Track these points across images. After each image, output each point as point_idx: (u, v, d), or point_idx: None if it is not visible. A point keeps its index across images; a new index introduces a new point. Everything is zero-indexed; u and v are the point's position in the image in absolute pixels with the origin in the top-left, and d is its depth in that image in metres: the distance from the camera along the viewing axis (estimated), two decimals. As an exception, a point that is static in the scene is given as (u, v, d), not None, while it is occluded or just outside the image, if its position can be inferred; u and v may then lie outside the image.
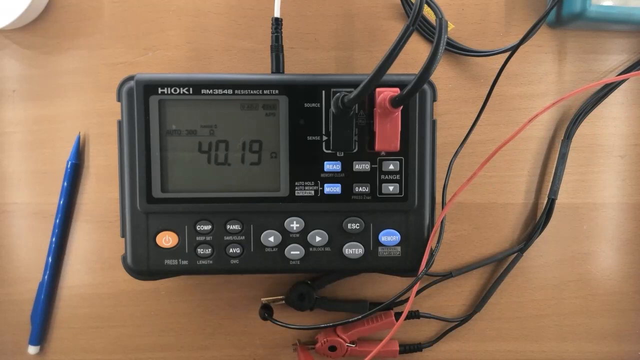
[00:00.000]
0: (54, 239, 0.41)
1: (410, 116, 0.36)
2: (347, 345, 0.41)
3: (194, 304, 0.43)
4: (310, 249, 0.37)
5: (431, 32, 0.41)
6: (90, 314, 0.43)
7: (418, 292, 0.42)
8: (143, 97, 0.35)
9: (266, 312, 0.41)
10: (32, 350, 0.42)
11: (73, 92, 0.41)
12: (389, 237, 0.37)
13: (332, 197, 0.36)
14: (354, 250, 0.37)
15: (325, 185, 0.36)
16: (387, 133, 0.35)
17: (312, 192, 0.36)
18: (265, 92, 0.35)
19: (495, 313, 0.43)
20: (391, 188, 0.37)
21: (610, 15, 0.37)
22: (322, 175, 0.36)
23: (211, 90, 0.35)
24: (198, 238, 0.37)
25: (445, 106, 0.41)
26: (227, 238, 0.37)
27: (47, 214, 0.42)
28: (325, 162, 0.36)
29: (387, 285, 0.42)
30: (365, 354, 0.39)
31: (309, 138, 0.36)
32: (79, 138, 0.41)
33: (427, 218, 0.37)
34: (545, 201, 0.42)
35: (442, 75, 0.41)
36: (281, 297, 0.41)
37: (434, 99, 0.37)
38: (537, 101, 0.42)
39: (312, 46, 0.41)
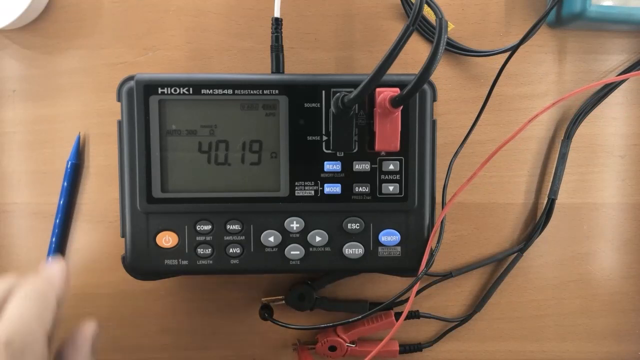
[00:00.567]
0: (54, 239, 0.41)
1: (410, 116, 0.36)
2: (347, 345, 0.41)
3: (194, 304, 0.43)
4: (310, 249, 0.37)
5: (431, 32, 0.41)
6: (90, 314, 0.43)
7: (418, 292, 0.42)
8: (143, 97, 0.35)
9: (266, 312, 0.41)
10: None
11: (73, 92, 0.41)
12: (389, 237, 0.37)
13: (332, 197, 0.36)
14: (354, 250, 0.37)
15: (325, 185, 0.36)
16: (387, 133, 0.35)
17: (312, 192, 0.36)
18: (265, 92, 0.35)
19: (495, 313, 0.43)
20: (391, 188, 0.37)
21: (610, 15, 0.37)
22: (322, 175, 0.36)
23: (211, 90, 0.35)
24: (198, 238, 0.37)
25: (445, 106, 0.41)
26: (227, 238, 0.37)
27: (47, 214, 0.42)
28: (325, 162, 0.36)
29: (387, 285, 0.42)
30: (365, 354, 0.39)
31: (309, 138, 0.36)
32: (79, 138, 0.41)
33: (427, 218, 0.37)
34: (545, 201, 0.42)
35: (442, 75, 0.41)
36: (281, 297, 0.41)
37: (434, 99, 0.37)
38: (537, 101, 0.42)
39: (312, 46, 0.41)
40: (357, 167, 0.36)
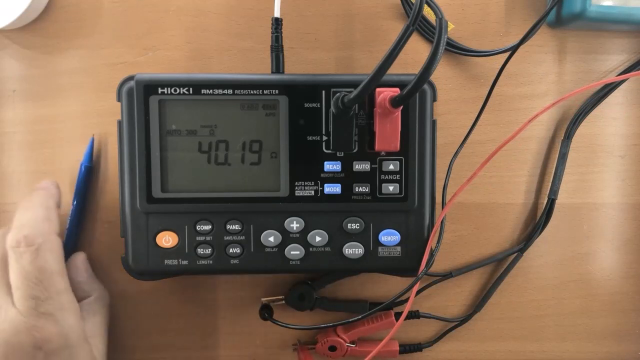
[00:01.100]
0: (65, 241, 0.40)
1: (410, 116, 0.36)
2: (347, 345, 0.41)
3: (194, 304, 0.43)
4: (310, 249, 0.37)
5: (431, 32, 0.41)
6: (90, 314, 0.43)
7: (418, 292, 0.42)
8: (143, 97, 0.35)
9: (266, 312, 0.41)
10: None
11: (73, 92, 0.41)
12: (389, 237, 0.37)
13: (332, 197, 0.36)
14: (354, 250, 0.37)
15: (325, 185, 0.36)
16: (387, 133, 0.35)
17: (312, 192, 0.36)
18: (265, 92, 0.35)
19: (495, 313, 0.43)
20: (391, 188, 0.37)
21: (610, 15, 0.37)
22: (322, 175, 0.36)
23: (211, 90, 0.35)
24: (198, 238, 0.37)
25: (445, 106, 0.41)
26: (227, 238, 0.37)
27: (47, 214, 0.42)
28: (325, 162, 0.36)
29: (387, 285, 0.42)
30: (365, 354, 0.39)
31: (309, 138, 0.36)
32: (92, 141, 0.40)
33: (427, 218, 0.37)
34: (545, 201, 0.42)
35: (442, 75, 0.41)
36: (281, 297, 0.41)
37: (434, 99, 0.37)
38: (537, 101, 0.42)
39: (312, 46, 0.41)
40: (357, 167, 0.36)
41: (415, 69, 0.29)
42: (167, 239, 0.37)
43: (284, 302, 0.41)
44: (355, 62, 0.41)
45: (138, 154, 0.35)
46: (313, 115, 0.36)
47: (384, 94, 0.34)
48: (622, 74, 0.42)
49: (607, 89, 0.41)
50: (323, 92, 0.36)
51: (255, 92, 0.35)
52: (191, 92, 0.35)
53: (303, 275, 0.42)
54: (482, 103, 0.39)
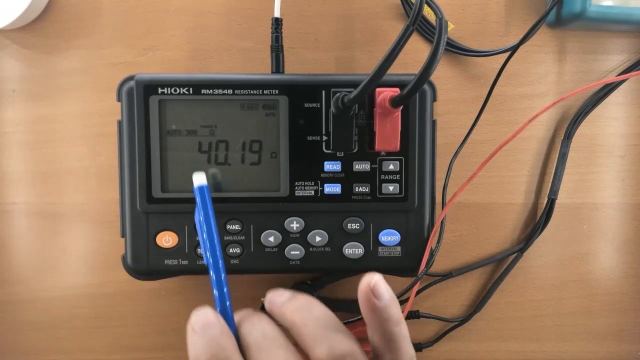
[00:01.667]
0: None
1: (410, 116, 0.36)
2: (347, 345, 0.41)
3: (194, 304, 0.42)
4: (310, 249, 0.37)
5: (431, 32, 0.41)
6: (90, 314, 0.43)
7: (418, 292, 0.42)
8: (143, 97, 0.35)
9: (266, 312, 0.41)
10: None
11: (73, 92, 0.41)
12: (389, 237, 0.37)
13: (332, 197, 0.36)
14: (354, 250, 0.37)
15: (325, 185, 0.36)
16: (387, 133, 0.35)
17: (312, 192, 0.36)
18: (265, 92, 0.35)
19: (495, 313, 0.43)
20: (391, 188, 0.37)
21: (610, 15, 0.37)
22: (322, 175, 0.36)
23: (211, 90, 0.35)
24: (198, 238, 0.37)
25: (445, 106, 0.41)
26: (227, 238, 0.37)
27: (47, 214, 0.42)
28: (325, 162, 0.36)
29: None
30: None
31: (309, 138, 0.36)
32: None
33: (427, 218, 0.37)
34: (545, 201, 0.42)
35: (442, 75, 0.41)
36: (281, 297, 0.41)
37: (434, 99, 0.37)
38: (537, 101, 0.42)
39: (312, 46, 0.41)
40: (357, 167, 0.36)
41: (415, 69, 0.29)
42: (167, 239, 0.37)
43: (284, 302, 0.41)
44: (355, 62, 0.41)
45: (138, 154, 0.35)
46: (313, 115, 0.36)
47: (384, 94, 0.34)
48: (622, 74, 0.42)
49: (607, 89, 0.41)
50: (323, 92, 0.36)
51: (255, 92, 0.35)
52: (191, 92, 0.35)
53: (303, 275, 0.42)
54: (482, 103, 0.39)
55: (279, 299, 0.31)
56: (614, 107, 0.42)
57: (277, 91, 0.35)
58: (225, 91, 0.35)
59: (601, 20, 0.38)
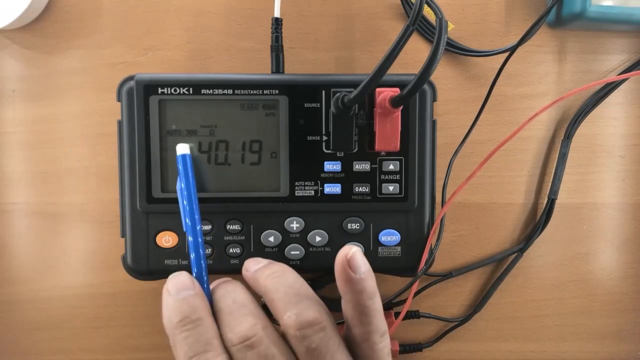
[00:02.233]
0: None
1: (410, 116, 0.36)
2: (347, 345, 0.41)
3: (194, 304, 0.43)
4: (310, 249, 0.37)
5: (431, 32, 0.41)
6: (90, 314, 0.43)
7: (418, 292, 0.42)
8: (143, 97, 0.35)
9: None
10: None
11: (73, 92, 0.41)
12: (389, 237, 0.37)
13: (332, 197, 0.36)
14: (354, 250, 0.37)
15: (325, 185, 0.36)
16: (387, 133, 0.35)
17: (312, 192, 0.36)
18: (265, 92, 0.35)
19: (495, 313, 0.43)
20: (391, 188, 0.37)
21: (610, 15, 0.37)
22: (322, 175, 0.36)
23: (211, 90, 0.35)
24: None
25: (445, 106, 0.41)
26: (227, 238, 0.37)
27: (47, 214, 0.42)
28: (325, 162, 0.36)
29: (387, 285, 0.42)
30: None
31: (309, 138, 0.36)
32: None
33: (427, 218, 0.37)
34: (545, 201, 0.42)
35: (442, 75, 0.41)
36: (281, 297, 0.41)
37: (434, 99, 0.37)
38: (537, 101, 0.42)
39: (312, 46, 0.41)
40: (357, 167, 0.36)
41: (415, 69, 0.29)
42: (167, 239, 0.37)
43: (284, 302, 0.41)
44: (355, 62, 0.41)
45: (138, 154, 0.35)
46: (313, 115, 0.36)
47: (384, 94, 0.34)
48: (622, 74, 0.41)
49: (607, 89, 0.41)
50: (323, 92, 0.36)
51: (255, 92, 0.35)
52: (191, 92, 0.35)
53: (303, 275, 0.42)
54: (482, 103, 0.39)
55: (255, 265, 0.32)
56: (614, 107, 0.42)
57: (277, 91, 0.35)
58: (225, 91, 0.35)
59: (601, 20, 0.38)
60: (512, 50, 0.38)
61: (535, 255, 0.43)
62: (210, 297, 0.31)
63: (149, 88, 0.35)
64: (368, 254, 0.37)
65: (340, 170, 0.36)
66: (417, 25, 0.38)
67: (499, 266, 0.43)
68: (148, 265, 0.37)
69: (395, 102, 0.33)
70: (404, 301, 0.40)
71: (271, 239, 0.37)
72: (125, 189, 0.36)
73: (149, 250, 0.37)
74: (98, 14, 0.41)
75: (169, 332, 0.28)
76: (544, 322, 0.43)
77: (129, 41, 0.41)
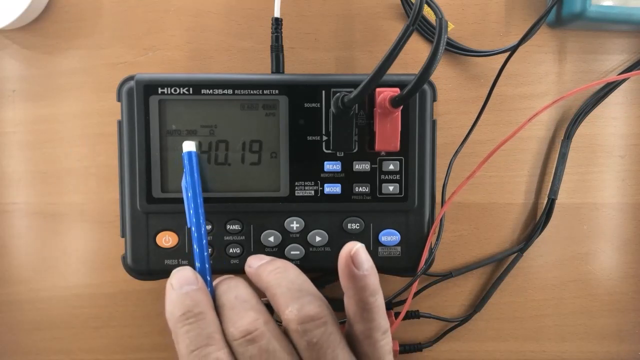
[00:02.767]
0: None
1: (410, 116, 0.36)
2: (347, 345, 0.41)
3: (194, 304, 0.43)
4: (310, 249, 0.37)
5: (431, 32, 0.41)
6: (90, 314, 0.43)
7: (418, 292, 0.42)
8: (143, 97, 0.35)
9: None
10: None
11: (73, 92, 0.41)
12: (389, 237, 0.37)
13: (332, 197, 0.36)
14: (354, 250, 0.37)
15: (325, 185, 0.36)
16: (387, 133, 0.35)
17: (312, 192, 0.36)
18: (265, 92, 0.35)
19: (495, 313, 0.43)
20: (391, 188, 0.37)
21: (610, 15, 0.37)
22: (322, 175, 0.36)
23: (211, 90, 0.35)
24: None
25: (445, 106, 0.41)
26: (227, 238, 0.37)
27: (47, 214, 0.42)
28: (325, 162, 0.36)
29: (387, 285, 0.42)
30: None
31: (309, 138, 0.36)
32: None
33: (427, 218, 0.37)
34: (545, 201, 0.42)
35: (442, 75, 0.41)
36: (281, 297, 0.41)
37: (434, 99, 0.37)
38: (537, 101, 0.42)
39: (312, 46, 0.41)
40: (357, 167, 0.36)
41: (415, 69, 0.29)
42: (167, 239, 0.37)
43: (284, 302, 0.41)
44: (355, 62, 0.41)
45: (138, 154, 0.35)
46: (313, 115, 0.36)
47: (384, 94, 0.34)
48: (622, 73, 0.41)
49: (607, 89, 0.41)
50: (323, 92, 0.36)
51: (255, 92, 0.35)
52: (191, 92, 0.35)
53: (303, 275, 0.42)
54: (482, 103, 0.39)
55: (257, 262, 0.32)
56: (614, 107, 0.42)
57: (277, 91, 0.35)
58: (225, 91, 0.35)
59: (601, 20, 0.38)
60: (513, 50, 0.38)
61: (535, 255, 0.43)
62: (213, 292, 0.31)
63: (149, 88, 0.35)
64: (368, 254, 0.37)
65: (340, 170, 0.36)
66: (417, 25, 0.38)
67: (499, 266, 0.43)
68: (148, 265, 0.37)
69: (395, 102, 0.33)
70: (404, 301, 0.40)
71: (271, 239, 0.37)
72: (125, 189, 0.36)
73: (149, 250, 0.37)
74: (98, 14, 0.41)
75: (172, 326, 0.29)
76: (544, 322, 0.43)
77: (129, 41, 0.41)
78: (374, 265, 0.29)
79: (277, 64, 0.37)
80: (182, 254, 0.37)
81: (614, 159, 0.42)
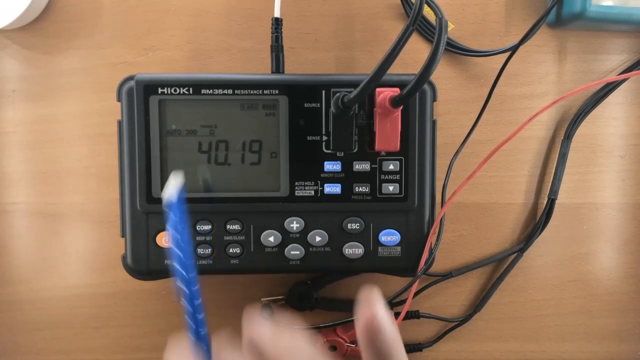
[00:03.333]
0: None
1: (410, 116, 0.36)
2: (347, 345, 0.41)
3: (194, 304, 0.43)
4: (310, 249, 0.37)
5: (431, 32, 0.41)
6: (90, 314, 0.43)
7: (418, 292, 0.42)
8: (143, 97, 0.35)
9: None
10: None
11: (73, 92, 0.41)
12: (389, 237, 0.37)
13: (332, 197, 0.36)
14: (354, 250, 0.37)
15: (325, 185, 0.36)
16: (387, 133, 0.35)
17: (312, 192, 0.36)
18: (265, 92, 0.35)
19: (495, 313, 0.43)
20: (391, 188, 0.36)
21: (610, 15, 0.37)
22: (322, 175, 0.36)
23: (211, 90, 0.35)
24: (198, 238, 0.37)
25: (445, 106, 0.41)
26: (227, 238, 0.37)
27: (47, 214, 0.42)
28: (325, 162, 0.36)
29: (387, 285, 0.42)
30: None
31: (309, 138, 0.36)
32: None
33: (427, 218, 0.37)
34: (545, 201, 0.42)
35: (442, 75, 0.41)
36: (281, 297, 0.41)
37: (434, 99, 0.37)
38: (537, 101, 0.42)
39: (312, 46, 0.41)
40: (357, 167, 0.36)
41: (415, 69, 0.29)
42: (167, 239, 0.37)
43: (284, 302, 0.41)
44: (355, 62, 0.41)
45: (138, 154, 0.35)
46: (313, 115, 0.36)
47: (384, 94, 0.34)
48: (622, 73, 0.41)
49: (607, 89, 0.41)
50: (323, 92, 0.36)
51: (255, 92, 0.35)
52: (191, 92, 0.35)
53: (303, 275, 0.42)
54: (482, 103, 0.39)
55: (262, 333, 0.29)
56: (614, 107, 0.42)
57: (277, 91, 0.35)
58: (225, 91, 0.35)
59: (601, 20, 0.38)
60: (513, 50, 0.38)
61: (535, 255, 0.43)
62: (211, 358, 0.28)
63: (149, 88, 0.35)
64: (368, 254, 0.37)
65: (340, 170, 0.36)
66: (417, 25, 0.38)
67: (499, 266, 0.43)
68: (148, 265, 0.37)
69: (395, 102, 0.33)
70: (404, 301, 0.40)
71: (271, 238, 0.37)
72: (125, 189, 0.36)
73: (149, 250, 0.37)
74: (98, 14, 0.41)
75: None
76: (544, 322, 0.43)
77: (129, 41, 0.41)
78: (398, 332, 0.26)
79: (277, 64, 0.37)
80: (182, 254, 0.37)
81: (614, 159, 0.42)
